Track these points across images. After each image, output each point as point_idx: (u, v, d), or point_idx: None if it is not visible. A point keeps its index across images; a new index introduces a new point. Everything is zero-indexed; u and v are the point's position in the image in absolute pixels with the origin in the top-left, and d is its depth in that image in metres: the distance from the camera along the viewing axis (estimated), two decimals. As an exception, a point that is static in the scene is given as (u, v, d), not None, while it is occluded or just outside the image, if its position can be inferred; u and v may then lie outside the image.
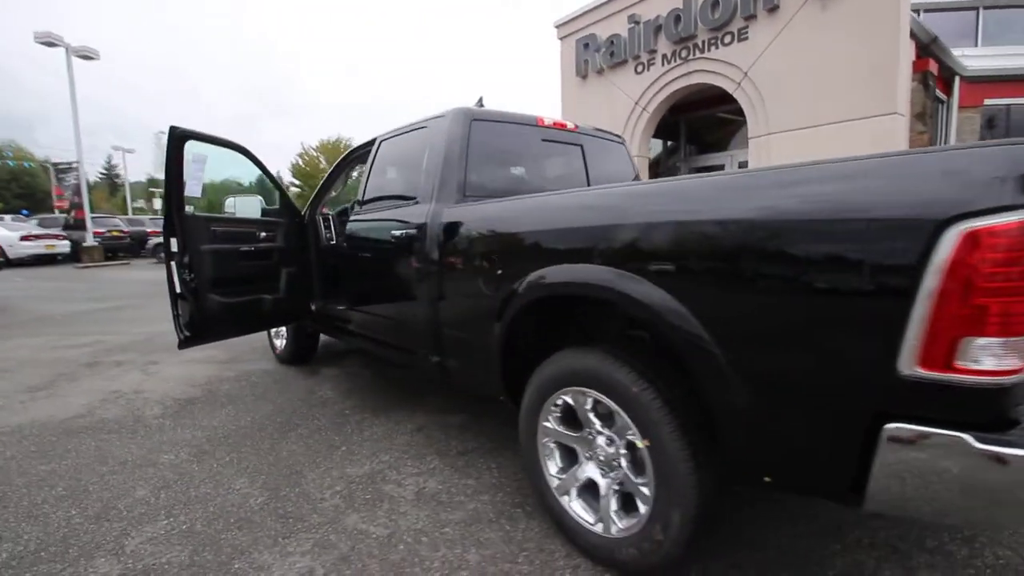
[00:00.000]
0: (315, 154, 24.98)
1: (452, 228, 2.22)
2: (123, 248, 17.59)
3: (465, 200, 2.33)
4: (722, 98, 7.17)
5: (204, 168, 3.02)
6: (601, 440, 1.70)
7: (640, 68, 7.85)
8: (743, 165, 7.70)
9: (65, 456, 2.58)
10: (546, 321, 1.97)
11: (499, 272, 1.91)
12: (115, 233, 17.34)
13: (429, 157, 2.48)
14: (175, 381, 3.78)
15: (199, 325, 2.98)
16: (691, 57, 7.10)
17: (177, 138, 2.78)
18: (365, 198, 2.96)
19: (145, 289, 9.92)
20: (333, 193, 3.69)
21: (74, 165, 16.85)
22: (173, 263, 2.88)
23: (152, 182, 50.28)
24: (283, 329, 4.19)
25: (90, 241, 15.62)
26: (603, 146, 3.05)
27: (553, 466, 1.84)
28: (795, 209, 1.15)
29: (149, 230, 18.81)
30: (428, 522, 1.95)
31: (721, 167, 8.52)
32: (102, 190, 44.63)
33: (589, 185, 2.92)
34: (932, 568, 1.66)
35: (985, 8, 9.44)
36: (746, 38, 6.46)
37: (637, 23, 7.71)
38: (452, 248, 2.21)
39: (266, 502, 2.11)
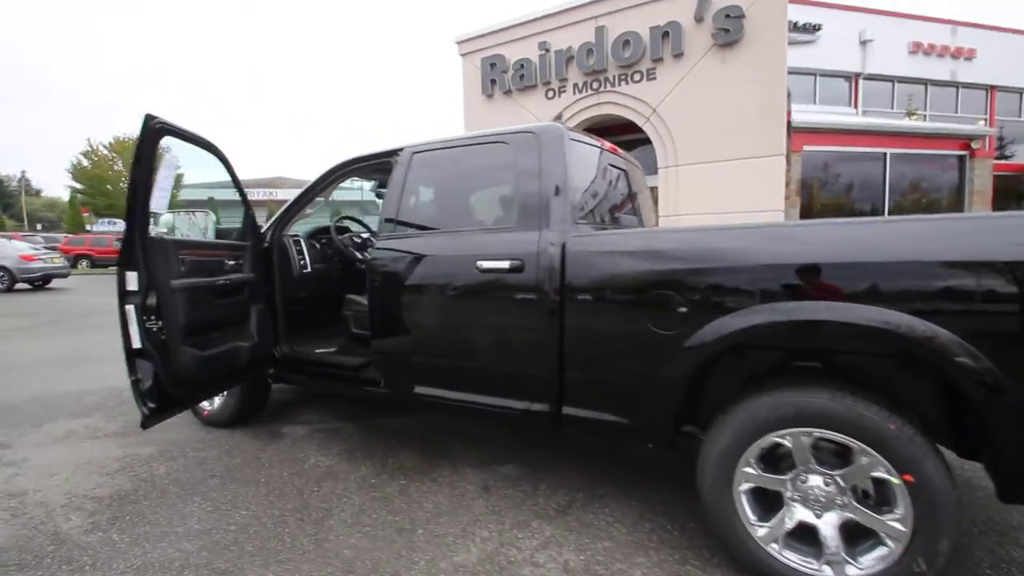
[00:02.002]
0: (107, 153, 20.18)
1: (583, 259, 1.97)
2: None
3: (578, 227, 2.09)
4: (627, 127, 7.80)
5: (174, 176, 2.19)
6: (815, 479, 1.65)
7: (551, 94, 8.12)
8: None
9: (-28, 628, 1.60)
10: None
11: (682, 310, 1.74)
12: None
13: (521, 178, 2.17)
14: (70, 470, 2.65)
15: (169, 391, 2.14)
16: (602, 89, 7.60)
17: (153, 133, 1.98)
18: (400, 219, 2.47)
19: None
20: (309, 211, 3.01)
21: None
22: (131, 307, 2.03)
23: None
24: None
25: None
26: (635, 171, 3.03)
27: (752, 514, 1.73)
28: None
29: None
30: (613, 604, 1.67)
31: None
32: None
33: (636, 212, 2.87)
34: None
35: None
36: (654, 78, 7.17)
37: (547, 51, 7.98)
38: (586, 282, 1.96)
39: (392, 627, 1.58)
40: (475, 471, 2.61)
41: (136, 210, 1.98)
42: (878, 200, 10.63)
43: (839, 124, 10.57)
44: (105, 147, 20.29)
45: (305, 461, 2.75)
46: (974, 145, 11.09)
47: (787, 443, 1.64)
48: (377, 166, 2.75)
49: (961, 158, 11.26)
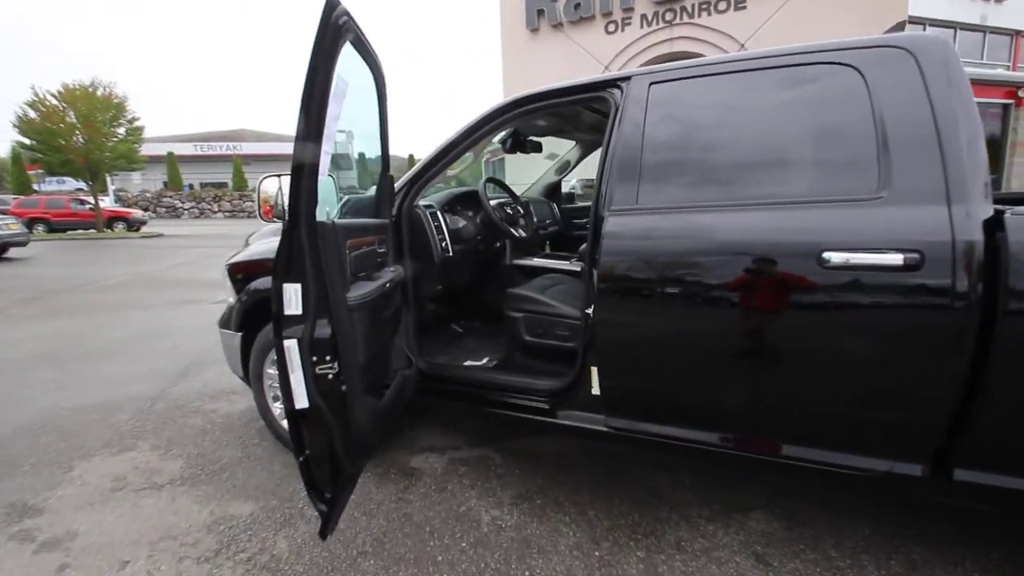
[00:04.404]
0: (57, 103, 17.71)
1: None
2: None
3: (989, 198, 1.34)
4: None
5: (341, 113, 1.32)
6: None
7: (612, 27, 7.04)
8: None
9: None
10: None
11: None
12: None
13: (894, 121, 1.39)
14: (145, 553, 1.84)
15: (346, 468, 1.35)
16: (677, 21, 6.59)
17: (335, 30, 1.09)
18: (643, 184, 1.66)
19: None
20: (452, 172, 2.15)
21: None
22: (293, 342, 1.19)
23: None
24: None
25: None
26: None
27: None
28: None
29: None
30: None
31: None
32: None
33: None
34: None
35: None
36: (744, 7, 6.21)
37: (610, -25, 6.88)
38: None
39: None
40: (719, 528, 1.93)
41: (303, 176, 1.12)
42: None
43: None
44: (54, 96, 17.84)
45: (476, 519, 2.01)
46: (1021, 93, 10.59)
47: None
48: (570, 105, 1.90)
49: (1006, 107, 10.78)
